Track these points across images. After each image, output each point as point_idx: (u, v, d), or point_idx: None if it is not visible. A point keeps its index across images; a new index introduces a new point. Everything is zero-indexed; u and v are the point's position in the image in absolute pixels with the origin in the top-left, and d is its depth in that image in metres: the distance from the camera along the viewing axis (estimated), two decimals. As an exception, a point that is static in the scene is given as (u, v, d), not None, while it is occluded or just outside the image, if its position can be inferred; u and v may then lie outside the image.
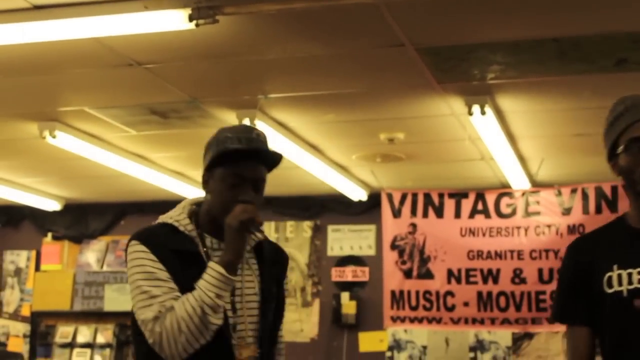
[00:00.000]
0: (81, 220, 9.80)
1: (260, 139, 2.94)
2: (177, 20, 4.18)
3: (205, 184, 2.97)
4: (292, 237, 9.19)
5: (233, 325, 2.88)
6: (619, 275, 2.59)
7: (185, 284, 2.80)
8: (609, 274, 2.61)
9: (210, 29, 4.31)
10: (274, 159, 2.96)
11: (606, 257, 2.64)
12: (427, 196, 7.46)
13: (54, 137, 6.42)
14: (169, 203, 9.89)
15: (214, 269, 2.78)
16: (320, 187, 8.43)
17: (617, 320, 2.58)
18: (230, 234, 2.81)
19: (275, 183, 8.44)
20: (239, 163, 2.87)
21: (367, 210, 8.84)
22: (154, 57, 5.08)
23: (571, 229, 6.90)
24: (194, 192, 8.69)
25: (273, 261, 3.09)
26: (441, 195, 7.43)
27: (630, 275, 2.57)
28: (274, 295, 3.03)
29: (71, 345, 9.44)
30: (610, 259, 2.62)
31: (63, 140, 6.57)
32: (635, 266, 2.57)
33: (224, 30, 4.48)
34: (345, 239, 9.05)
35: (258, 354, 2.91)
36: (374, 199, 8.42)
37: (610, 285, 2.60)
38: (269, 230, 9.20)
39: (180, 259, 2.85)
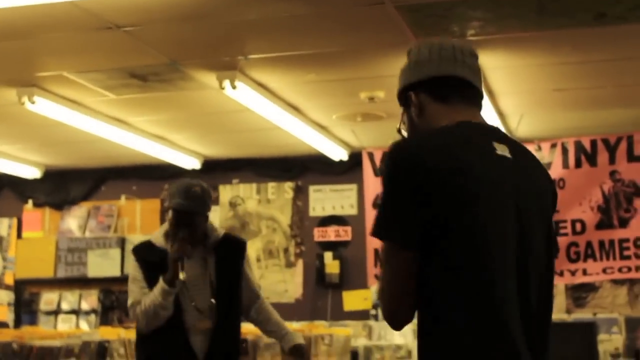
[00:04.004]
0: (62, 186, 9.76)
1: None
2: (156, -18, 4.16)
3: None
4: (273, 198, 9.20)
5: (192, 306, 4.33)
6: None
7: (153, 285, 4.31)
8: None
9: (189, -10, 4.29)
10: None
11: None
12: (409, 154, 7.45)
13: (32, 102, 6.38)
14: (150, 167, 9.84)
15: (159, 283, 4.24)
16: (301, 148, 8.43)
17: None
18: (169, 263, 4.25)
19: (256, 144, 8.53)
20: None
21: (349, 170, 8.85)
22: (133, 20, 5.05)
23: (552, 184, 6.96)
24: (174, 155, 8.68)
25: (227, 254, 4.47)
26: (422, 153, 7.42)
27: None
28: (228, 280, 4.43)
29: (56, 312, 9.46)
30: None
31: (42, 106, 6.53)
32: None
33: (203, -9, 4.46)
34: (327, 199, 9.07)
35: (213, 324, 4.33)
36: (355, 159, 8.43)
37: None
38: (251, 191, 9.22)
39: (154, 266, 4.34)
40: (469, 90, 2.38)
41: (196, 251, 4.38)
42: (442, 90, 2.34)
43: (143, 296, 4.32)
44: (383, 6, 4.81)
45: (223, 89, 5.99)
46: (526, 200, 2.26)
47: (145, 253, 4.45)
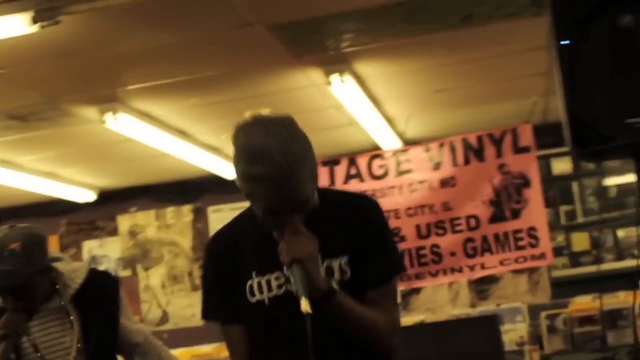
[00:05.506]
0: (-45, 232, 9.53)
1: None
2: (19, 25, 4.11)
3: None
4: (173, 222, 9.14)
5: None
6: (259, 283, 2.50)
7: None
8: (249, 282, 2.51)
9: (56, 29, 4.26)
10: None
11: (245, 263, 2.54)
12: (301, 167, 7.48)
13: None
14: (43, 205, 9.55)
15: None
16: (196, 170, 8.40)
17: (260, 328, 2.51)
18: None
19: (150, 171, 8.46)
20: None
21: (246, 187, 8.83)
22: (3, 62, 4.98)
23: (443, 183, 7.05)
24: (67, 190, 8.57)
25: (93, 304, 3.52)
26: (314, 165, 7.46)
27: (269, 282, 2.49)
28: (98, 339, 3.51)
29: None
30: (249, 266, 2.53)
31: None
32: (272, 271, 2.49)
33: (70, 29, 4.43)
34: (227, 219, 8.95)
35: None
36: (250, 175, 8.42)
37: (252, 294, 2.50)
38: (150, 218, 9.15)
39: None
40: None
41: (50, 310, 3.52)
42: None
43: None
44: (252, 27, 4.84)
45: (104, 122, 5.95)
46: None
47: None
